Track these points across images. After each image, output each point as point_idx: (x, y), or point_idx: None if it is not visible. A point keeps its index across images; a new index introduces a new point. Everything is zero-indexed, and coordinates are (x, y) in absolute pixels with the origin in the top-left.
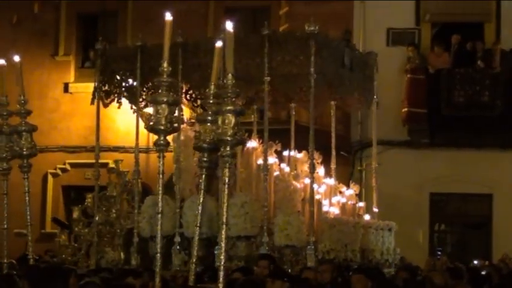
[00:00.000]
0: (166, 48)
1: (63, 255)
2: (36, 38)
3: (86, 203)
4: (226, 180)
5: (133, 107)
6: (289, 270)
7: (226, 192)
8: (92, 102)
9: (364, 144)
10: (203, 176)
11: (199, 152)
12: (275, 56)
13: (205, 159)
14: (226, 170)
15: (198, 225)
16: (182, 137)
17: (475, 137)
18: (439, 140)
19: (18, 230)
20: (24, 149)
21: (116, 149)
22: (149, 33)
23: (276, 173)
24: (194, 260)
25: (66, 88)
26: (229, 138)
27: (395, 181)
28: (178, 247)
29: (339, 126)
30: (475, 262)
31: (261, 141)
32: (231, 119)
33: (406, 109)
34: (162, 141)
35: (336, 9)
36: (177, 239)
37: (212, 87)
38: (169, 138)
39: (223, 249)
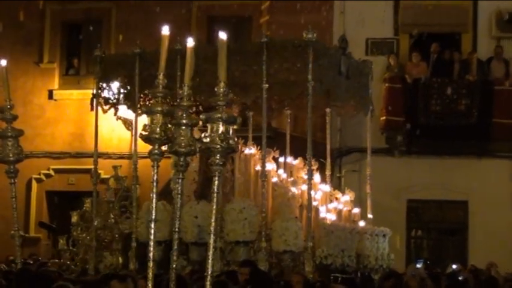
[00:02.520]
0: (163, 61)
1: (62, 259)
2: (21, 45)
3: (84, 208)
4: (215, 189)
5: (117, 113)
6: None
7: (215, 200)
8: (92, 109)
9: (343, 151)
10: (179, 180)
11: (175, 155)
12: (273, 63)
13: (181, 163)
14: (216, 179)
15: (177, 229)
16: None
17: (452, 145)
18: (416, 147)
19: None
20: (11, 155)
21: (100, 155)
22: (132, 41)
23: (274, 179)
24: (174, 266)
25: (50, 95)
26: (217, 147)
27: (373, 187)
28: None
29: (319, 133)
30: (454, 266)
31: (258, 147)
32: (220, 127)
33: (384, 117)
34: (156, 151)
35: (316, 19)
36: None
37: (186, 88)
38: None
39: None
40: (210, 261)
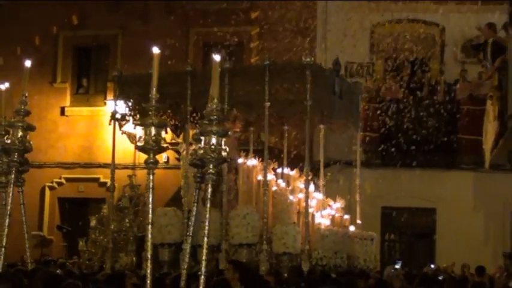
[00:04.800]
0: (155, 77)
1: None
2: (36, 67)
3: (101, 213)
4: (209, 196)
5: (122, 128)
6: (285, 275)
7: (208, 206)
8: (110, 123)
9: (324, 163)
10: (197, 190)
11: (194, 167)
12: (274, 83)
13: (199, 174)
14: (209, 186)
15: (191, 234)
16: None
17: (422, 158)
18: (390, 160)
19: (36, 232)
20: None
21: (106, 165)
22: (136, 64)
23: (274, 188)
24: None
25: (62, 111)
26: (209, 157)
27: (352, 196)
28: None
29: (303, 146)
30: (432, 266)
31: (260, 159)
32: (213, 139)
33: (361, 133)
34: (151, 160)
35: (301, 44)
36: (185, 245)
37: (215, 106)
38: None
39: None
40: (203, 261)
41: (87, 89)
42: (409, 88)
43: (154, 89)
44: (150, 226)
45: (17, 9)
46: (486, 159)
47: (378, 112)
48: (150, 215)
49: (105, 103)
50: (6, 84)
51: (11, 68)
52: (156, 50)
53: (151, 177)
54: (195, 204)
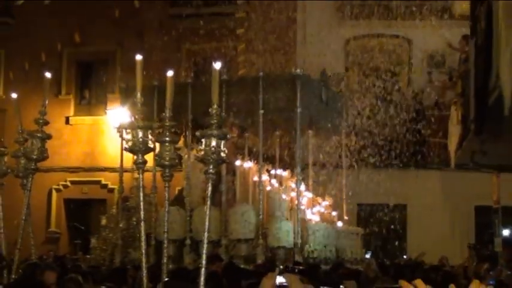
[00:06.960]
0: (139, 82)
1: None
2: (43, 80)
3: (111, 213)
4: (209, 194)
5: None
6: (281, 266)
7: (208, 203)
8: (118, 131)
9: (304, 165)
10: (167, 188)
11: (161, 168)
12: (267, 93)
13: (167, 173)
14: (210, 185)
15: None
16: (191, 159)
17: (394, 159)
18: (365, 161)
19: (52, 229)
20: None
21: (107, 169)
22: (133, 77)
23: (268, 188)
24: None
25: (67, 121)
26: (209, 158)
27: (331, 194)
28: (189, 248)
29: (285, 151)
30: (405, 257)
31: (255, 161)
32: (212, 142)
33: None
34: (140, 160)
35: (282, 58)
36: (188, 241)
37: (167, 110)
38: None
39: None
40: (203, 255)
41: (89, 100)
42: (381, 96)
43: (139, 93)
44: (142, 223)
45: (25, 28)
46: (451, 159)
47: (353, 118)
48: (142, 212)
49: (105, 113)
50: (14, 95)
51: (19, 81)
52: (138, 57)
53: (140, 176)
54: (167, 202)
